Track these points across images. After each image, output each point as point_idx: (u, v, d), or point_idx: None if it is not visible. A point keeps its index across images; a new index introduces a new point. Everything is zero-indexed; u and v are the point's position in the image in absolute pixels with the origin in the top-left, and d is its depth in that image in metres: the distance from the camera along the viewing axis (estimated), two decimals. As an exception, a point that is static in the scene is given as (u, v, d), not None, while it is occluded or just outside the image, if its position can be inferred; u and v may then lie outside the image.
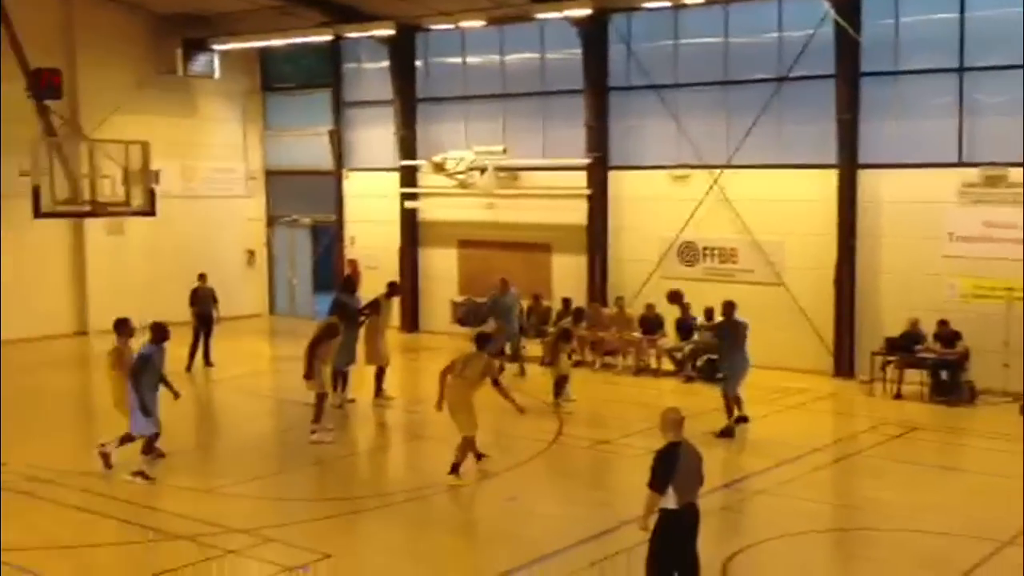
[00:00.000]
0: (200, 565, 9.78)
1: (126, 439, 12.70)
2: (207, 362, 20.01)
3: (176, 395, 13.11)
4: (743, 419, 15.22)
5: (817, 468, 13.70)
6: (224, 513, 11.37)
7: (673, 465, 7.98)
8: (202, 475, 13.08)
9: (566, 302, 21.32)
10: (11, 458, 12.95)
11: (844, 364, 19.37)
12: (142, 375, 12.45)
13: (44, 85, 20.37)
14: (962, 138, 18.56)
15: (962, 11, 18.39)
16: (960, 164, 18.52)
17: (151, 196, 19.35)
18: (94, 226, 21.88)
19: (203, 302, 20.13)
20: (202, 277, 20.44)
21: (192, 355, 19.79)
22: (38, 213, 18.17)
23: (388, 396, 17.11)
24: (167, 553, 10.14)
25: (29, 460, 13.00)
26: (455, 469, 12.45)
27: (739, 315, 15.62)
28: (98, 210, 19.20)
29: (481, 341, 13.68)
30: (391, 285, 18.46)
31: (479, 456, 13.04)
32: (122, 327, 13.32)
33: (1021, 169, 17.81)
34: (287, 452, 14.63)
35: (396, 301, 18.50)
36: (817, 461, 13.93)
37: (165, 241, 24.22)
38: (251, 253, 27.55)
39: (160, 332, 12.89)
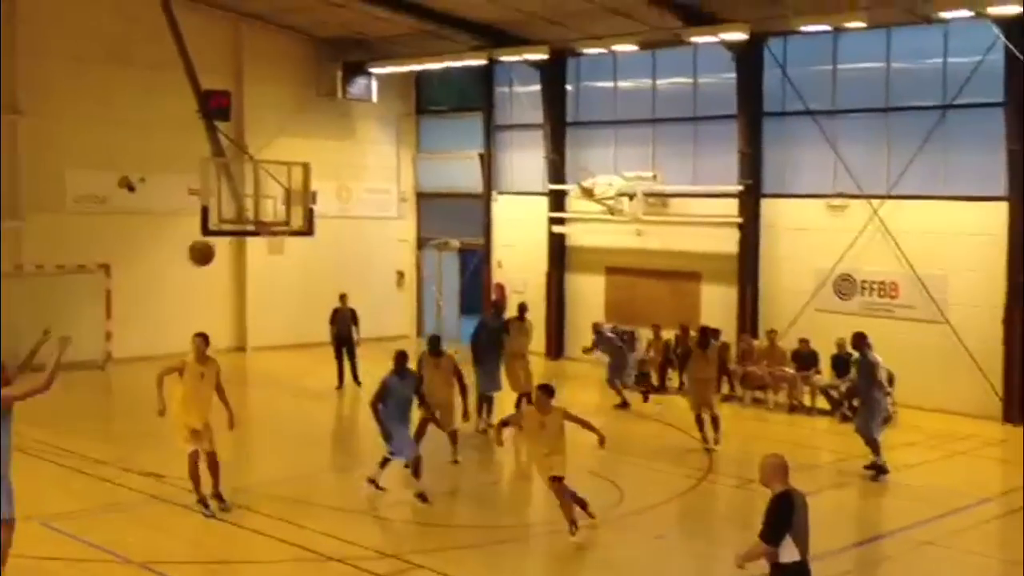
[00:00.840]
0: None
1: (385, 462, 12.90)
2: (356, 381, 20.28)
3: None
4: (878, 468, 14.46)
5: (987, 520, 13.05)
6: (371, 536, 11.57)
7: (789, 514, 7.42)
8: (349, 496, 13.23)
9: (714, 332, 20.85)
10: (169, 471, 13.43)
11: (1015, 409, 18.32)
12: (382, 402, 12.74)
13: (214, 106, 21.02)
14: None
15: None
16: None
17: (310, 216, 19.92)
18: (255, 245, 22.66)
19: (342, 322, 20.46)
20: (342, 298, 20.80)
21: (340, 374, 20.25)
22: (205, 231, 18.72)
23: None
24: (316, 573, 10.37)
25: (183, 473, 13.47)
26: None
27: (878, 351, 14.97)
28: (261, 229, 19.85)
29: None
30: (521, 307, 18.43)
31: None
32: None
33: None
34: (432, 476, 14.78)
35: (529, 324, 18.28)
36: (987, 512, 13.28)
37: (320, 261, 24.89)
38: (400, 274, 28.12)
39: (399, 361, 13.07)
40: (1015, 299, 18.49)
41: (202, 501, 12.06)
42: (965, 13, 17.98)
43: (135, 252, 22.85)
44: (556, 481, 11.29)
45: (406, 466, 12.83)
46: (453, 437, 14.67)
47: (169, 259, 23.21)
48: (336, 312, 20.64)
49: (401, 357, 13.12)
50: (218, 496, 12.12)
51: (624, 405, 18.96)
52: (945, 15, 18.32)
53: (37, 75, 21.43)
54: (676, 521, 12.86)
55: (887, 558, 11.31)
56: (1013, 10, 17.43)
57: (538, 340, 24.85)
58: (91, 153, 22.27)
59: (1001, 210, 18.65)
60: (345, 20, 24.51)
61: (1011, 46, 18.20)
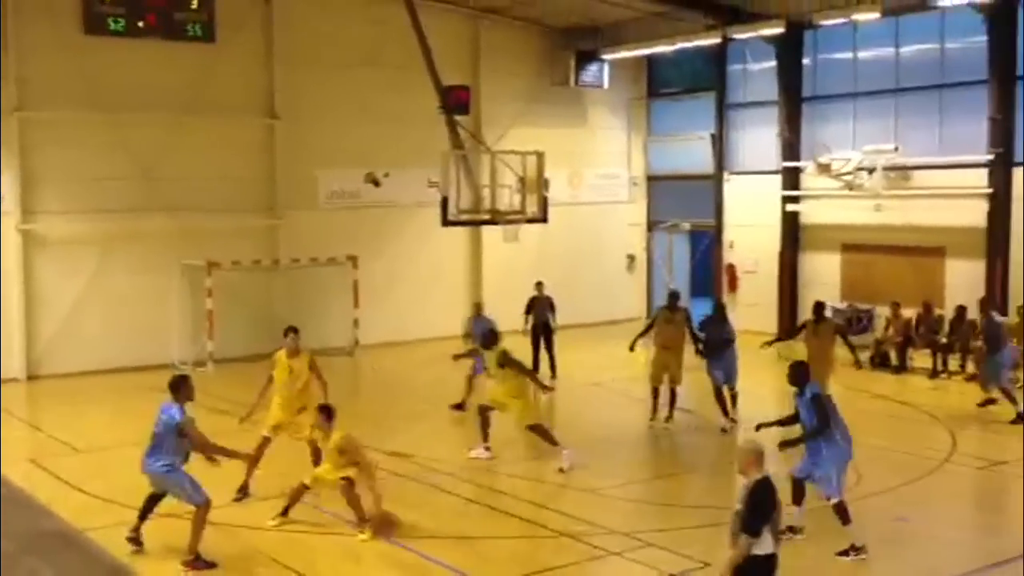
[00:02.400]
0: (585, 564, 10.30)
1: None
2: (552, 373, 19.74)
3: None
4: None
5: None
6: (605, 514, 11.76)
7: (772, 503, 7.02)
8: (583, 475, 13.46)
9: (960, 310, 19.94)
10: (418, 451, 14.25)
11: None
12: None
13: (454, 101, 21.64)
14: None
15: None
16: None
17: (544, 204, 20.36)
18: (491, 234, 23.44)
19: (540, 311, 20.24)
20: (539, 286, 20.57)
21: (535, 363, 19.55)
22: (445, 221, 19.41)
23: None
24: (553, 550, 10.69)
25: (431, 454, 14.22)
26: None
27: None
28: (497, 218, 20.44)
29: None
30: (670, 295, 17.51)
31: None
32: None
33: None
34: (661, 457, 15.00)
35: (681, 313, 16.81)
36: None
37: (553, 247, 25.39)
38: (631, 258, 28.32)
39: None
40: None
41: (242, 488, 12.19)
42: None
43: (380, 244, 24.14)
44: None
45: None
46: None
47: (411, 249, 24.55)
48: (533, 300, 20.37)
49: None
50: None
51: None
52: None
53: (291, 81, 23.00)
54: (919, 503, 12.44)
55: None
56: None
57: (770, 319, 24.60)
58: (340, 152, 23.64)
59: None
60: (577, 8, 24.97)
61: None
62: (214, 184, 22.05)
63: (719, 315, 16.77)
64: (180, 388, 10.41)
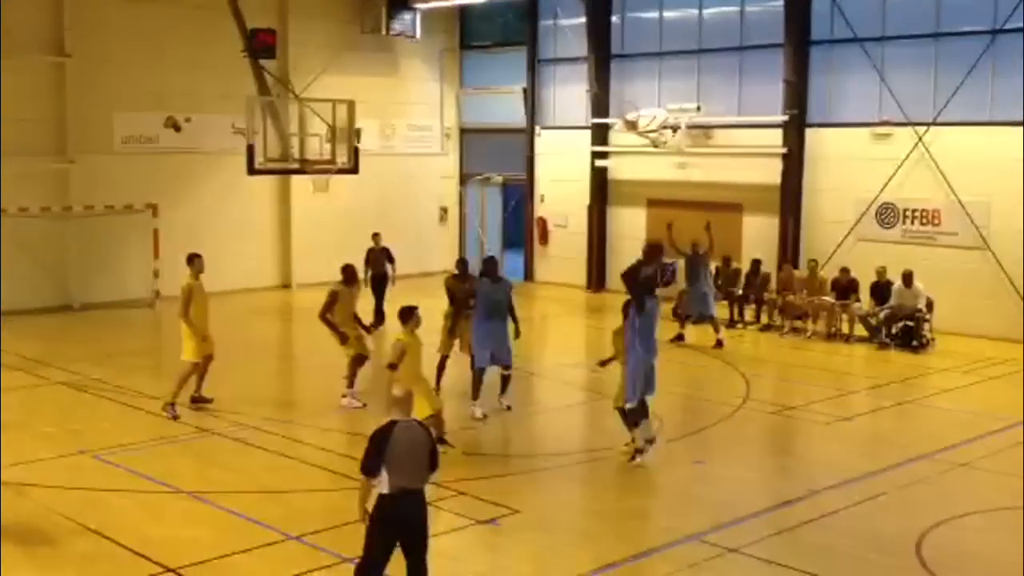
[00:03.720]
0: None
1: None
2: (378, 322, 19.21)
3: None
4: None
5: (1020, 441, 13.11)
6: None
7: (383, 445, 7.28)
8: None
9: (755, 264, 20.99)
10: (217, 404, 13.85)
11: None
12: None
13: (259, 45, 20.67)
14: None
15: None
16: None
17: (355, 154, 20.02)
18: (300, 184, 22.92)
19: (376, 262, 20.16)
20: (375, 237, 20.48)
21: (378, 313, 19.41)
22: (252, 170, 18.83)
23: None
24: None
25: (236, 407, 13.89)
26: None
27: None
28: (306, 168, 19.99)
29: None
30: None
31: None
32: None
33: None
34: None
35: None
36: (1020, 434, 13.32)
37: (364, 198, 25.02)
38: (444, 210, 28.28)
39: (489, 265, 14.03)
40: (1058, 224, 18.35)
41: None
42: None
43: (183, 192, 23.18)
44: None
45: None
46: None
47: (216, 198, 23.66)
48: (370, 252, 20.31)
49: (491, 261, 13.93)
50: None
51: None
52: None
53: (83, 17, 21.62)
54: (714, 447, 13.04)
55: (921, 480, 11.44)
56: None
57: (579, 272, 25.19)
58: (138, 95, 22.49)
59: (1046, 135, 18.39)
60: (390, -45, 24.44)
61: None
62: (-2, 125, 20.59)
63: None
64: None
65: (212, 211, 23.60)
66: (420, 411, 11.39)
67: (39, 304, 20.94)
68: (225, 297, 20.96)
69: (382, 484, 7.31)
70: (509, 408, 13.96)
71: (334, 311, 14.21)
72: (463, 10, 27.60)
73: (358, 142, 20.17)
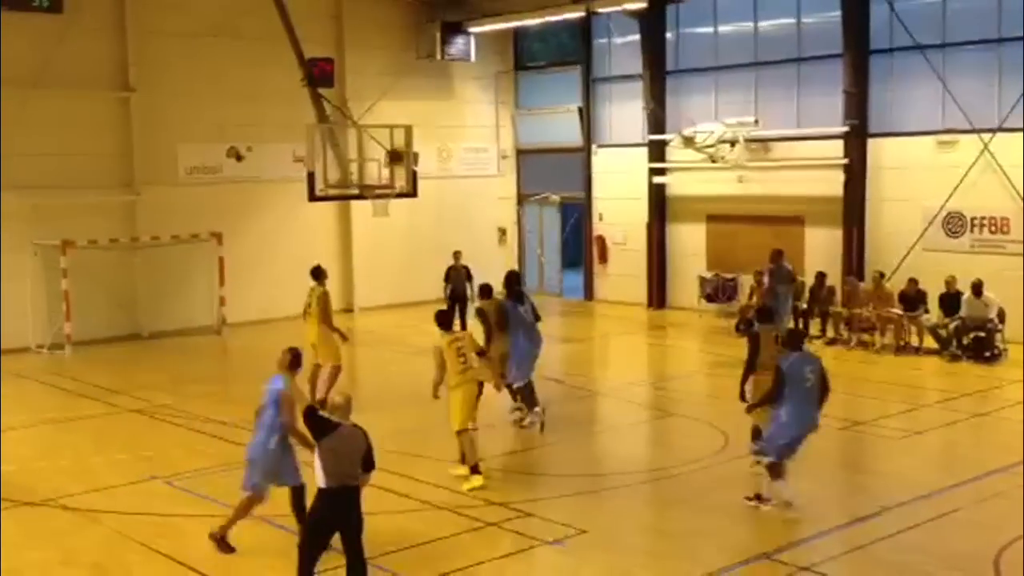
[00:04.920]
0: (463, 536, 10.23)
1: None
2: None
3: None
4: None
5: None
6: (486, 487, 11.67)
7: (323, 429, 8.12)
8: (457, 450, 13.55)
9: (820, 277, 20.71)
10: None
11: None
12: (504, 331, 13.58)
13: (318, 74, 21.18)
14: None
15: None
16: None
17: (413, 178, 20.21)
18: (360, 208, 23.14)
19: (457, 279, 20.73)
20: (456, 255, 21.06)
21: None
22: (312, 197, 19.08)
23: None
24: (431, 522, 10.62)
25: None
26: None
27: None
28: (366, 193, 20.20)
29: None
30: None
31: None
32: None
33: None
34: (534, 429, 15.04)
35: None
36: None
37: (422, 221, 25.32)
38: (502, 231, 28.39)
39: (511, 282, 14.06)
40: None
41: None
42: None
43: (246, 220, 23.53)
44: None
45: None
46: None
47: (278, 225, 23.99)
48: (451, 269, 20.85)
49: (513, 277, 13.85)
50: None
51: None
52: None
53: (146, 53, 22.11)
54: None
55: (997, 494, 11.16)
56: None
57: (640, 290, 25.06)
58: (201, 126, 22.93)
59: (1118, 137, 17.94)
60: (443, -20, 24.70)
61: None
62: (67, 160, 21.13)
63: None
64: None
65: (275, 238, 23.95)
66: (456, 420, 11.65)
67: (110, 334, 21.36)
68: (288, 323, 21.16)
69: (319, 479, 8.09)
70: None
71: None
72: (517, 32, 27.73)
73: (416, 166, 20.39)
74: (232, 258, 22.57)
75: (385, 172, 19.96)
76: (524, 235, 28.58)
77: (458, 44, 26.50)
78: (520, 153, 28.55)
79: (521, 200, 28.55)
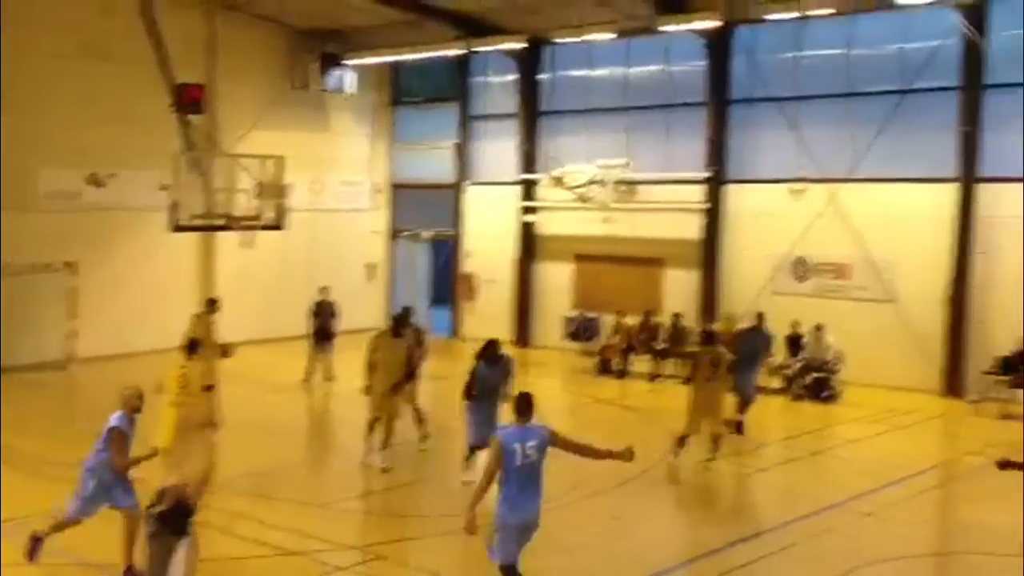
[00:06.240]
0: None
1: None
2: (328, 376, 19.96)
3: None
4: None
5: (925, 490, 13.62)
6: (336, 529, 11.58)
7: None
8: (315, 490, 13.38)
9: (675, 317, 21.40)
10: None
11: (954, 384, 19.15)
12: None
13: (188, 100, 20.72)
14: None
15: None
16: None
17: (282, 210, 20.01)
18: (226, 240, 22.73)
19: (323, 315, 20.18)
20: (323, 291, 20.55)
21: (311, 368, 19.93)
22: (176, 227, 18.77)
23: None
24: (280, 569, 10.39)
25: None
26: None
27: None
28: (232, 224, 19.95)
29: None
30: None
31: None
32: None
33: None
34: (398, 467, 15.05)
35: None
36: (925, 483, 13.86)
37: (292, 254, 25.04)
38: (372, 266, 28.29)
39: (490, 348, 13.43)
40: (959, 278, 19.18)
41: None
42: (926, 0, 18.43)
43: (104, 249, 22.69)
44: None
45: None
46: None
47: (138, 255, 23.17)
48: (318, 305, 20.31)
49: (491, 345, 13.47)
50: None
51: None
52: (905, 1, 18.75)
53: (11, 71, 21.18)
54: (633, 502, 13.14)
55: (830, 529, 11.72)
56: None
57: (506, 328, 25.34)
58: (66, 151, 22.16)
59: (950, 191, 19.20)
60: (321, 11, 24.62)
61: (970, 30, 18.60)
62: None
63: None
64: None
65: (134, 269, 23.10)
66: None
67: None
68: (146, 357, 20.55)
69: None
70: None
71: None
72: (396, 66, 27.87)
73: (286, 198, 20.23)
74: (88, 289, 21.55)
75: (253, 203, 19.78)
76: (394, 271, 28.58)
77: (336, 76, 26.55)
78: (395, 187, 28.63)
79: (393, 235, 28.59)
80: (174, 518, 7.84)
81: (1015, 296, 18.55)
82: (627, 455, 8.66)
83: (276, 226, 20.25)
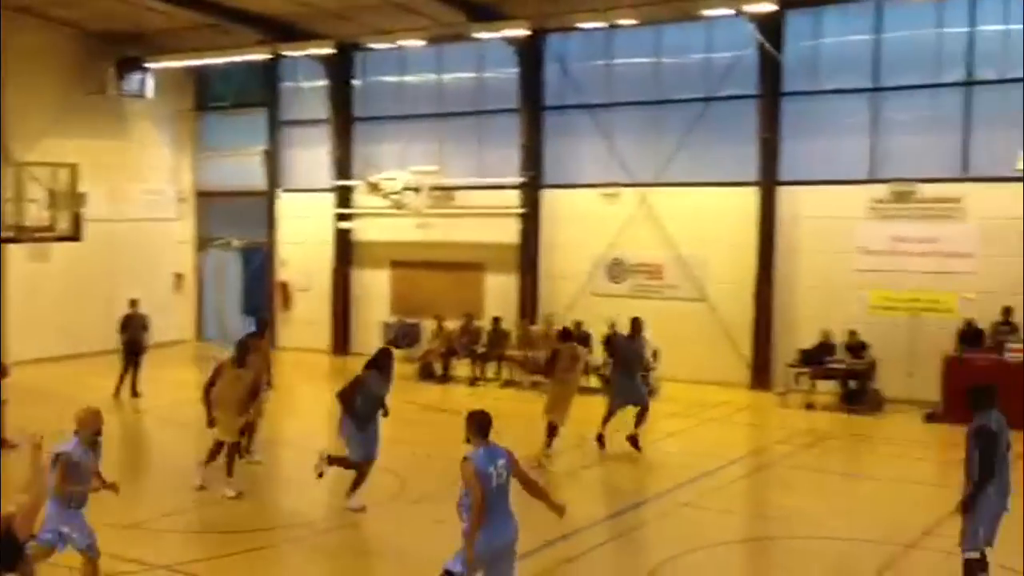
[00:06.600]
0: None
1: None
2: (134, 392, 19.23)
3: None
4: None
5: (735, 479, 14.10)
6: (148, 549, 11.07)
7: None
8: (125, 509, 12.75)
9: (495, 321, 21.48)
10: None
11: (761, 376, 19.99)
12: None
13: None
14: (874, 155, 19.21)
15: (878, 33, 18.98)
16: (871, 181, 19.22)
17: (76, 220, 19.03)
18: (16, 253, 21.33)
19: (134, 329, 19.40)
20: (133, 303, 19.72)
21: (120, 383, 19.19)
22: (-44, 240, 17.70)
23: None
24: None
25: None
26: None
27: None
28: (21, 236, 18.84)
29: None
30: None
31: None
32: None
33: (927, 185, 18.64)
34: (212, 484, 14.44)
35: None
36: (735, 472, 14.35)
37: (91, 266, 23.73)
38: (179, 277, 27.23)
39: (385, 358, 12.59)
40: (764, 276, 20.04)
41: None
42: (725, 11, 19.18)
43: None
44: None
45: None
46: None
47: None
48: (128, 318, 19.46)
49: (384, 354, 12.66)
50: None
51: None
52: (707, 12, 19.50)
53: None
54: (451, 507, 13.00)
55: (644, 523, 11.95)
56: (768, 8, 18.74)
57: (323, 336, 24.85)
58: None
59: (754, 194, 20.04)
60: (119, 13, 23.43)
61: (765, 42, 19.47)
62: None
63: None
64: None
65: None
66: None
67: None
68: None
69: None
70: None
71: None
72: (200, 71, 26.90)
73: (82, 207, 19.22)
74: None
75: (45, 214, 18.69)
76: (203, 281, 27.60)
77: (134, 80, 25.34)
78: (201, 196, 27.61)
79: (201, 245, 27.59)
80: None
81: (815, 292, 19.55)
82: (560, 510, 8.24)
83: (72, 237, 19.25)
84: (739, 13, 19.22)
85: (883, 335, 18.56)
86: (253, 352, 13.76)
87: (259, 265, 26.84)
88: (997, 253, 18.11)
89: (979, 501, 8.75)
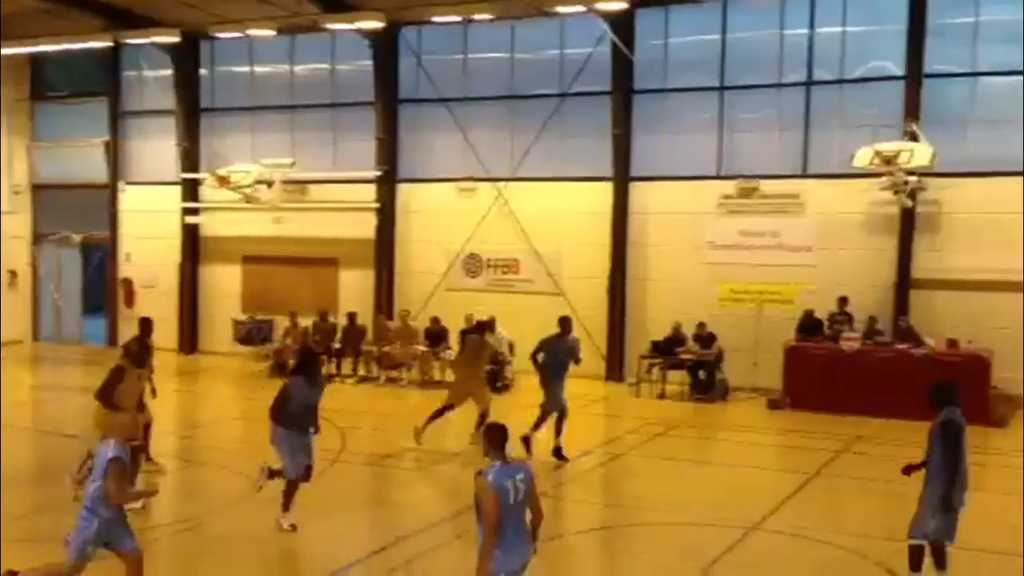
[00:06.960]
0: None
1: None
2: None
3: None
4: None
5: (590, 469, 14.25)
6: None
7: None
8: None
9: (350, 317, 21.15)
10: None
11: (615, 368, 20.36)
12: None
13: None
14: (721, 152, 19.76)
15: (724, 33, 19.54)
16: (719, 177, 19.77)
17: None
18: None
19: None
20: None
21: None
22: None
23: None
24: None
25: None
26: None
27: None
28: None
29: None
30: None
31: None
32: None
33: (770, 181, 19.31)
34: (48, 489, 13.72)
35: None
36: (590, 463, 14.51)
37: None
38: (13, 274, 25.90)
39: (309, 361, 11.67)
40: (617, 270, 20.40)
41: None
42: (578, 8, 19.39)
43: None
44: None
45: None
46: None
47: None
48: None
49: (311, 357, 11.77)
50: None
51: None
52: (561, 9, 19.67)
53: None
54: (307, 504, 12.71)
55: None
56: (619, 6, 19.02)
57: (170, 334, 23.97)
58: None
59: (608, 190, 20.33)
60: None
61: (617, 40, 19.76)
62: None
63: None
64: None
65: None
66: None
67: None
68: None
69: None
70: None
71: None
72: (35, 58, 25.63)
73: None
74: None
75: None
76: (39, 278, 26.35)
77: (-41, 67, 23.88)
78: (36, 188, 26.31)
79: (37, 240, 26.31)
80: None
81: (667, 285, 20.01)
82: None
83: None
84: (591, 11, 19.48)
85: (731, 326, 19.16)
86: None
87: (100, 261, 25.78)
88: (833, 246, 18.92)
89: (949, 493, 8.64)
